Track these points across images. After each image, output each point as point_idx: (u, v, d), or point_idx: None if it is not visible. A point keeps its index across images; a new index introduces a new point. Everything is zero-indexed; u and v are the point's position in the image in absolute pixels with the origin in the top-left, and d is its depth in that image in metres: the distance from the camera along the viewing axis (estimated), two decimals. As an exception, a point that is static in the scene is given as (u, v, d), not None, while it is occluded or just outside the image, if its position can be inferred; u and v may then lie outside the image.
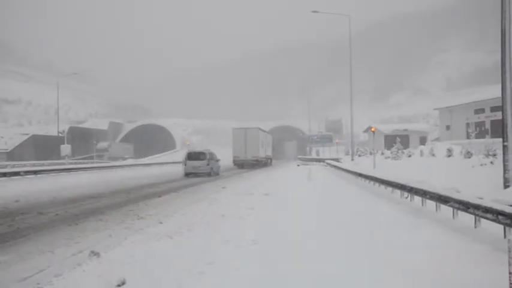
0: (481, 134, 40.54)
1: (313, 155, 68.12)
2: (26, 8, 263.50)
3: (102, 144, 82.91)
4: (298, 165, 46.84)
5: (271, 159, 52.03)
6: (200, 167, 29.40)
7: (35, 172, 29.61)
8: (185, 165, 29.68)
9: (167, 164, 51.68)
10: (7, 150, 65.33)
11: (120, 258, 7.01)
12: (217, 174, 31.11)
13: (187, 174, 29.34)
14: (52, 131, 72.35)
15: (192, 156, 30.02)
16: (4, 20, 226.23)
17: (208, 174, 29.28)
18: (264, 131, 49.37)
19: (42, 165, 44.55)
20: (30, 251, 7.67)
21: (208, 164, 29.44)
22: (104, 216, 11.44)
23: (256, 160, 42.85)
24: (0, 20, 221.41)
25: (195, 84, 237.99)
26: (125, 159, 73.47)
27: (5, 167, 38.54)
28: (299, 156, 67.50)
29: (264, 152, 47.05)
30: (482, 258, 6.87)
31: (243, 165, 42.37)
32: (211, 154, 31.20)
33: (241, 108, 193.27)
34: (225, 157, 62.13)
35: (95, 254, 7.18)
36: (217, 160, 32.11)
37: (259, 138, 44.01)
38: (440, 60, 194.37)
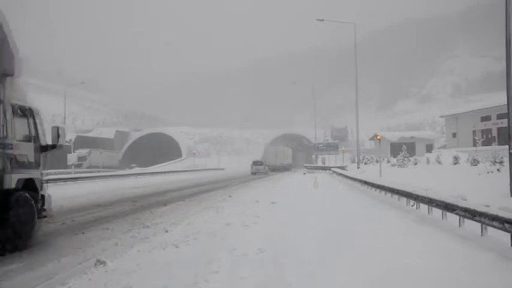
0: (487, 142, 40.34)
1: (319, 163, 67.97)
2: (32, 17, 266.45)
3: (81, 152, 74.19)
4: (304, 173, 46.82)
5: (291, 165, 69.78)
6: (260, 169, 52.33)
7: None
8: (251, 167, 52.80)
9: (174, 173, 51.72)
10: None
11: (126, 266, 7.05)
12: (267, 173, 52.24)
13: (253, 173, 50.61)
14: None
15: (255, 163, 54.12)
16: (12, 29, 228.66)
17: (266, 173, 51.45)
18: (286, 147, 71.28)
19: (49, 174, 44.81)
20: (37, 260, 7.71)
21: (264, 168, 53.32)
22: (110, 225, 11.49)
23: (282, 166, 63.71)
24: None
25: (202, 92, 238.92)
26: (110, 168, 68.26)
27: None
28: (305, 164, 67.43)
29: (287, 160, 68.38)
30: (489, 266, 6.84)
31: (273, 169, 59.10)
32: (264, 162, 55.78)
33: (248, 116, 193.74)
34: (234, 166, 62.95)
35: (101, 262, 7.21)
36: (266, 165, 55.30)
37: (284, 152, 67.13)
38: (448, 67, 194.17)
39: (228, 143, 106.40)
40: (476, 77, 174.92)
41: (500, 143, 36.09)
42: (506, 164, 16.09)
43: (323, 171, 50.14)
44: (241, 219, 12.24)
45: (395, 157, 38.20)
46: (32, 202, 8.80)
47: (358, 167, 39.52)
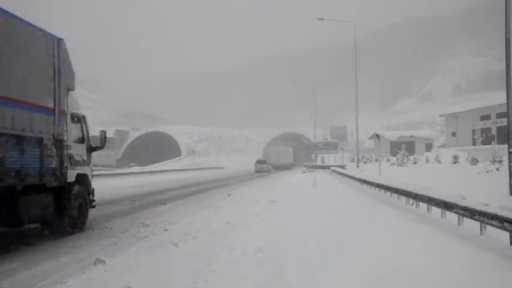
0: (487, 141, 40.34)
1: (319, 162, 68.00)
2: (31, 15, 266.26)
3: None
4: (304, 172, 46.82)
5: (292, 164, 71.52)
6: (263, 167, 54.62)
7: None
8: (255, 166, 55.14)
9: (173, 172, 51.66)
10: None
11: (125, 265, 7.04)
12: (269, 171, 54.48)
13: (257, 171, 52.48)
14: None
15: (259, 161, 57.12)
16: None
17: (268, 171, 53.41)
18: (287, 146, 73.83)
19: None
20: (36, 259, 7.71)
21: (267, 166, 55.93)
22: (109, 224, 11.48)
23: (283, 164, 66.26)
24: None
25: (202, 92, 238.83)
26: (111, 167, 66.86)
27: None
28: (304, 163, 67.44)
29: (288, 159, 70.81)
30: (489, 266, 6.84)
31: (275, 168, 62.18)
32: (267, 161, 59.01)
33: (248, 115, 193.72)
34: (233, 165, 63.01)
35: (100, 261, 7.21)
36: (270, 163, 58.94)
37: (285, 151, 70.64)
38: (448, 66, 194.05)
39: (228, 142, 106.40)
40: (476, 76, 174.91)
41: (499, 142, 36.13)
42: (506, 163, 16.09)
43: (322, 170, 50.15)
44: (241, 218, 12.23)
45: (395, 156, 38.19)
46: (85, 193, 10.79)
47: (358, 166, 39.52)
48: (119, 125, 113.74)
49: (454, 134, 55.75)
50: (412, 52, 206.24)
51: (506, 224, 7.60)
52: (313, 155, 75.91)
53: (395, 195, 15.60)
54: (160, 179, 36.20)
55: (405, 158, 33.51)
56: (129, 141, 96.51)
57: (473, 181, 17.60)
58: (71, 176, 9.98)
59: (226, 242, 8.94)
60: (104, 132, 11.92)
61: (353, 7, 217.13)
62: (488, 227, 8.46)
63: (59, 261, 7.54)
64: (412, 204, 13.58)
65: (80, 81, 78.45)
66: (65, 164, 9.61)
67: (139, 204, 16.54)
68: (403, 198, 14.49)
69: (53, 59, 9.22)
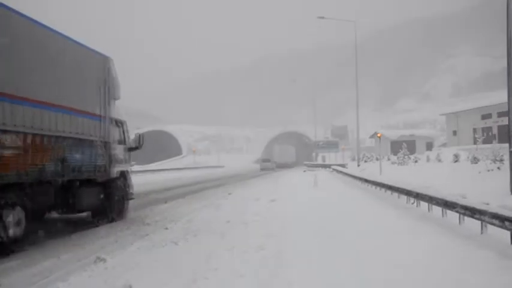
0: (488, 140, 40.30)
1: (319, 161, 67.98)
2: (45, 15, 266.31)
3: None
4: (304, 171, 46.81)
5: (294, 163, 73.03)
6: (268, 165, 58.11)
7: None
8: (260, 164, 59.70)
9: (173, 171, 51.61)
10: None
11: (125, 263, 7.05)
12: (274, 169, 56.76)
13: (262, 169, 55.63)
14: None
15: (264, 160, 62.29)
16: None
17: (273, 169, 56.32)
18: (290, 146, 76.87)
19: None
20: (36, 257, 7.72)
21: (271, 164, 59.85)
22: (110, 223, 11.48)
23: (286, 163, 67.55)
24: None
25: (202, 91, 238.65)
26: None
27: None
28: (305, 162, 67.44)
29: (291, 158, 73.18)
30: (490, 265, 6.83)
31: (278, 166, 63.26)
32: (272, 158, 64.06)
33: (248, 114, 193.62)
34: (234, 163, 62.88)
35: (101, 259, 7.22)
36: (274, 162, 62.31)
37: (287, 150, 73.59)
38: (448, 66, 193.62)
39: (228, 141, 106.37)
40: (476, 76, 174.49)
41: (500, 141, 36.06)
42: (507, 162, 16.07)
43: (323, 169, 50.11)
44: (241, 216, 12.24)
45: (396, 155, 38.16)
46: (126, 187, 12.86)
47: (358, 165, 39.51)
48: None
49: (455, 133, 55.74)
50: (412, 52, 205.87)
51: (507, 223, 7.59)
52: (313, 154, 75.95)
53: (396, 194, 15.58)
54: (161, 178, 36.19)
55: (406, 157, 33.48)
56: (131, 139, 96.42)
57: (474, 180, 17.59)
58: (115, 172, 12.01)
59: (226, 240, 8.94)
60: (139, 136, 13.86)
61: (354, 7, 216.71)
62: (489, 226, 8.45)
63: (59, 258, 7.54)
64: (412, 203, 13.57)
65: None
66: (111, 162, 11.63)
67: (139, 203, 16.52)
68: (404, 197, 14.48)
69: (102, 73, 11.25)
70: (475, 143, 36.32)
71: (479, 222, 8.69)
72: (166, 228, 10.41)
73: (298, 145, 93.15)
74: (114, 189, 12.04)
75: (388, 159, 39.70)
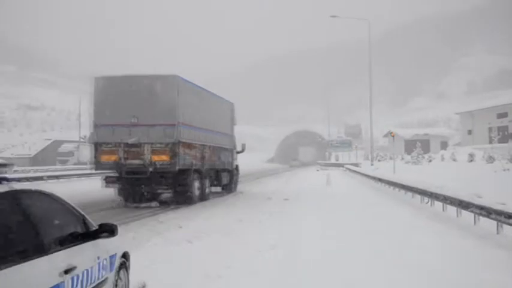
0: (504, 139, 39.77)
1: (332, 160, 67.72)
2: (51, 16, 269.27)
3: (66, 147, 66.60)
4: (317, 170, 46.71)
5: (312, 161, 76.90)
6: (296, 163, 72.11)
7: (57, 177, 30.09)
8: (290, 162, 73.11)
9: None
10: (30, 155, 66.52)
11: (140, 262, 7.10)
12: (299, 166, 67.40)
13: (291, 166, 66.65)
14: (74, 136, 73.33)
15: (293, 159, 76.36)
16: (28, 27, 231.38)
17: (299, 167, 65.53)
18: (310, 148, 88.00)
19: (65, 170, 45.12)
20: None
21: (298, 162, 74.00)
22: (125, 220, 11.58)
23: (308, 162, 76.76)
24: (24, 28, 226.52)
25: (214, 89, 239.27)
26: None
27: (29, 171, 39.24)
28: (318, 161, 67.26)
29: (311, 158, 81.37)
30: (505, 264, 6.77)
31: (303, 164, 74.47)
32: (299, 157, 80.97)
33: (260, 113, 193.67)
34: (245, 162, 62.50)
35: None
36: (300, 161, 77.87)
37: (310, 152, 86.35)
38: (462, 64, 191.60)
39: (240, 139, 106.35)
40: (491, 74, 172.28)
41: (516, 141, 35.57)
42: (523, 161, 15.87)
43: (336, 168, 49.93)
44: (254, 215, 12.27)
45: (410, 154, 37.88)
46: (238, 174, 21.93)
47: (372, 164, 39.29)
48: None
49: (469, 132, 55.10)
50: (426, 50, 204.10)
51: (523, 223, 7.51)
52: (327, 153, 75.68)
53: (410, 194, 15.49)
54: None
55: (420, 156, 33.25)
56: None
57: (490, 179, 17.41)
58: (235, 165, 21.24)
59: (239, 238, 8.97)
60: (243, 144, 22.30)
61: (366, 5, 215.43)
62: (505, 226, 8.35)
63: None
64: (427, 203, 13.47)
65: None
66: (233, 160, 20.89)
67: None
68: (418, 197, 14.38)
69: (230, 112, 20.64)
70: (490, 142, 35.93)
71: (495, 222, 8.60)
72: (181, 227, 10.49)
73: (311, 144, 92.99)
74: (234, 174, 21.16)
75: (402, 159, 39.42)
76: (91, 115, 15.04)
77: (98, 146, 14.52)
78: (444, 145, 63.55)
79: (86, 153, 60.67)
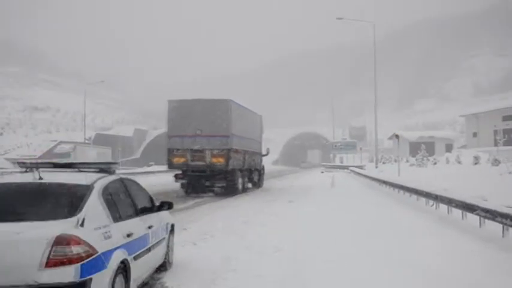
0: (509, 141, 39.52)
1: (337, 162, 67.55)
2: (57, 17, 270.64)
3: (63, 147, 66.08)
4: (322, 172, 46.63)
5: (318, 163, 79.57)
6: (307, 165, 77.38)
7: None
8: (301, 164, 79.44)
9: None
10: (35, 157, 66.81)
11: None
12: (310, 168, 69.98)
13: (302, 168, 71.93)
14: (79, 137, 73.59)
15: (303, 162, 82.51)
16: (36, 29, 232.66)
17: (309, 168, 70.17)
18: (318, 150, 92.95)
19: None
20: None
21: (308, 164, 79.51)
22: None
23: (315, 163, 79.89)
24: (30, 29, 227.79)
25: (219, 92, 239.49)
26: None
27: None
28: (322, 163, 67.12)
29: (318, 160, 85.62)
30: (510, 267, 6.73)
31: (311, 166, 77.78)
32: (308, 161, 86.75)
33: (265, 115, 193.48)
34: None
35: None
36: (309, 162, 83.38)
37: (317, 154, 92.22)
38: (468, 66, 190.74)
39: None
40: (497, 76, 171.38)
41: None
42: (529, 164, 15.79)
43: (341, 170, 49.84)
44: (259, 217, 12.27)
45: (414, 157, 37.74)
46: (263, 172, 26.57)
47: (377, 167, 39.18)
48: (137, 124, 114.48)
49: (475, 135, 54.86)
50: (432, 52, 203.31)
51: (529, 226, 7.47)
52: (331, 155, 75.51)
53: (415, 196, 15.43)
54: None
55: (425, 158, 33.13)
56: (148, 140, 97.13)
57: (495, 182, 17.32)
58: (262, 166, 25.96)
59: (244, 240, 8.97)
60: (267, 148, 26.67)
61: (371, 6, 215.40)
62: (511, 230, 8.30)
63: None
64: (432, 206, 13.42)
65: (100, 81, 77.28)
66: (261, 161, 25.75)
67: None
68: (423, 199, 14.33)
69: (260, 123, 25.65)
70: (495, 144, 35.70)
71: (501, 225, 8.55)
72: (185, 229, 10.46)
73: (316, 146, 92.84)
74: (261, 173, 25.88)
75: (407, 161, 39.29)
76: (166, 128, 20.99)
77: (170, 151, 19.52)
78: (449, 147, 63.29)
79: (84, 154, 62.86)
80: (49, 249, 3.72)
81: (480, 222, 9.57)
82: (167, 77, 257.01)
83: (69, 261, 3.78)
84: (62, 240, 3.77)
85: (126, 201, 5.21)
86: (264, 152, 26.29)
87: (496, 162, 23.42)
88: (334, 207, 14.58)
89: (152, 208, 5.89)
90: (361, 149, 59.84)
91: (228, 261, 7.14)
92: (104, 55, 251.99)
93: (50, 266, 3.72)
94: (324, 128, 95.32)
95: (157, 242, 5.82)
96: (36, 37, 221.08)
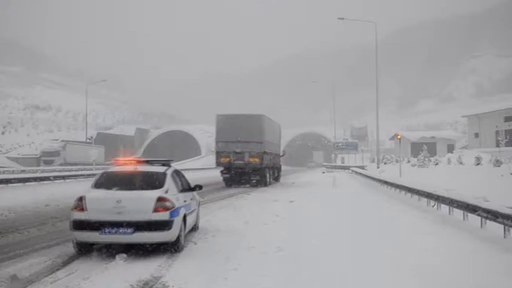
0: (511, 142, 39.51)
1: (338, 163, 67.48)
2: (59, 17, 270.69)
3: (52, 146, 63.73)
4: (323, 172, 46.60)
5: (320, 163, 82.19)
6: (312, 165, 79.16)
7: (64, 177, 30.12)
8: (308, 164, 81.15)
9: (192, 171, 51.81)
10: (37, 156, 66.86)
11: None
12: (314, 167, 72.75)
13: (308, 168, 74.03)
14: (80, 136, 73.61)
15: (310, 161, 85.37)
16: (35, 28, 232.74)
17: (314, 168, 72.85)
18: (319, 151, 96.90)
19: (71, 170, 45.13)
20: (60, 254, 7.86)
21: (313, 164, 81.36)
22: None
23: (318, 164, 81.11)
24: (32, 29, 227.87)
25: (220, 92, 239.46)
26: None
27: (36, 171, 39.43)
28: (324, 164, 67.06)
29: (320, 160, 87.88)
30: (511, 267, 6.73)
31: (316, 165, 79.17)
32: (314, 160, 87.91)
33: (268, 114, 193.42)
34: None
35: (121, 258, 7.32)
36: (314, 162, 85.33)
37: (321, 155, 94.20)
38: (470, 67, 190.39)
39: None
40: (499, 77, 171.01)
41: (524, 144, 35.29)
42: (530, 165, 15.76)
43: (342, 170, 49.80)
44: (260, 217, 12.27)
45: (416, 157, 37.68)
46: (280, 170, 32.34)
47: (378, 167, 39.13)
48: (139, 124, 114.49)
49: (476, 135, 54.76)
50: (434, 52, 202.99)
51: (530, 227, 7.46)
52: (332, 155, 75.44)
53: (416, 197, 15.42)
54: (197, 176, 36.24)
55: (426, 159, 33.04)
56: (149, 139, 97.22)
57: (497, 183, 17.28)
58: (279, 165, 31.80)
59: (245, 240, 8.98)
60: (283, 150, 35.19)
61: (373, 6, 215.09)
62: (512, 230, 8.30)
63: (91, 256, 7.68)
64: (433, 206, 13.41)
65: (102, 80, 77.17)
66: (279, 161, 31.56)
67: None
68: (424, 200, 14.32)
69: (279, 130, 31.65)
70: (497, 145, 35.66)
71: (502, 226, 8.54)
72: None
73: (317, 146, 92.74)
74: (279, 170, 31.15)
75: (408, 162, 39.18)
76: (214, 135, 26.12)
77: (218, 153, 25.25)
78: (451, 148, 63.19)
79: (75, 153, 60.22)
80: (155, 203, 7.41)
81: (481, 223, 9.57)
82: (168, 77, 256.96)
83: (165, 209, 7.44)
84: (161, 199, 7.48)
85: (180, 182, 8.88)
86: (281, 154, 32.12)
87: (497, 163, 23.33)
88: (335, 207, 14.58)
89: (191, 188, 9.41)
90: (362, 149, 59.82)
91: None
92: (105, 54, 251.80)
93: (156, 211, 7.37)
94: (325, 128, 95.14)
95: (193, 210, 9.25)
96: (38, 36, 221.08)
